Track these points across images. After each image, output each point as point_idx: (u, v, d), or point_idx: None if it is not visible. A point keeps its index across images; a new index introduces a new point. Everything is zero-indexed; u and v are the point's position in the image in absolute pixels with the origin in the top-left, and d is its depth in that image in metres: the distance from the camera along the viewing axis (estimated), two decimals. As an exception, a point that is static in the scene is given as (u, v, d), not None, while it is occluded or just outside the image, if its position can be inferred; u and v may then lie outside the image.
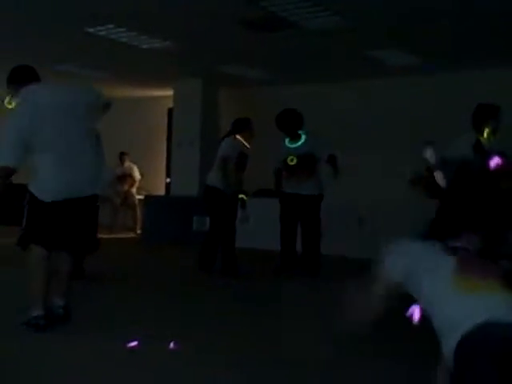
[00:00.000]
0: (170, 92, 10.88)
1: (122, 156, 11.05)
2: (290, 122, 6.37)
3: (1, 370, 3.19)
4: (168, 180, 11.62)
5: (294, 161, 6.29)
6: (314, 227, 6.44)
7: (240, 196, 6.47)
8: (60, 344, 3.68)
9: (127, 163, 11.15)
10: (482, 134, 5.04)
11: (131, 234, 11.01)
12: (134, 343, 3.61)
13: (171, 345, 3.61)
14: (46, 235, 3.93)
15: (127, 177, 11.14)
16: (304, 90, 9.74)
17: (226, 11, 6.49)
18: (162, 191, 11.78)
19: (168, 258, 8.24)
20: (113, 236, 10.54)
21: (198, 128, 10.39)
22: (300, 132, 6.41)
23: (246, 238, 7.42)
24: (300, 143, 6.40)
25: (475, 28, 6.83)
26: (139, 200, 11.07)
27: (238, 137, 6.46)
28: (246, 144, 6.47)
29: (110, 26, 7.18)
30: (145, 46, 8.05)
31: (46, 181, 3.89)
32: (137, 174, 11.22)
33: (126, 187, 11.18)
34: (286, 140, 6.46)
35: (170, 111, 11.28)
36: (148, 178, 11.47)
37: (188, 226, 9.41)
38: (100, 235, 9.58)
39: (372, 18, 6.56)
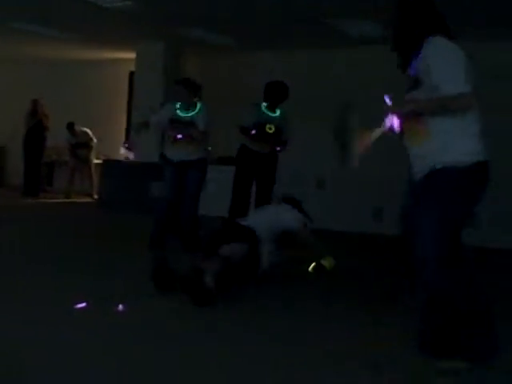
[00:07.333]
0: (132, 55, 10.65)
1: (69, 127, 10.85)
2: (279, 94, 6.37)
3: None
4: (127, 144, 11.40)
5: (273, 129, 6.36)
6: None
7: None
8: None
9: (78, 130, 10.94)
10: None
11: (88, 199, 10.87)
12: (82, 304, 3.57)
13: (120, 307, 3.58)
14: None
15: (83, 144, 11.00)
16: (267, 57, 9.71)
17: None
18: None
19: (122, 222, 8.16)
20: (69, 201, 10.60)
21: (161, 93, 10.19)
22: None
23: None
24: (277, 115, 6.44)
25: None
26: (97, 164, 10.89)
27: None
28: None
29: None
30: (107, 5, 7.81)
31: None
32: (93, 138, 11.04)
33: (84, 153, 11.03)
34: (263, 106, 6.42)
35: (132, 74, 11.06)
36: (107, 142, 11.25)
37: (146, 192, 9.29)
38: (57, 200, 9.40)
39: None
